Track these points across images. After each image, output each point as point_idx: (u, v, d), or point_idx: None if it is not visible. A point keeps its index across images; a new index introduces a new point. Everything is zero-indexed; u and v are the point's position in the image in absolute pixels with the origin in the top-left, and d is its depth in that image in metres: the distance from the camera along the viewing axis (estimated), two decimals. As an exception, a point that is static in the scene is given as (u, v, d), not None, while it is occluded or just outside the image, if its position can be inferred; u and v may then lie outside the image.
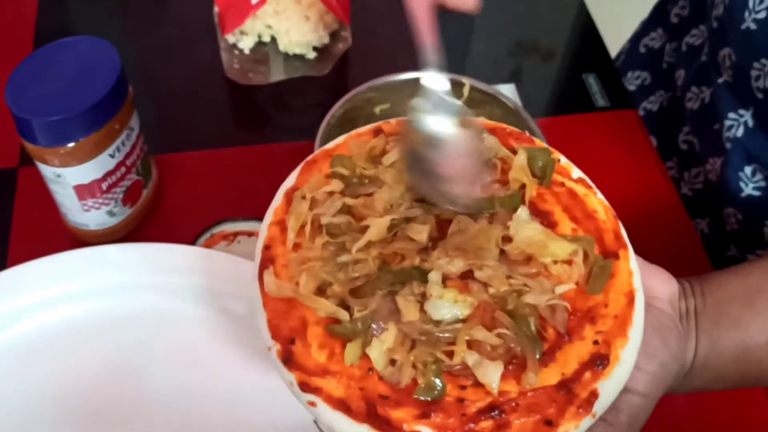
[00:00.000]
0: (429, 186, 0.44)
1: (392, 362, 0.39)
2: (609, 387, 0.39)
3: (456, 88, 0.65)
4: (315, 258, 0.42)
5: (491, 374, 0.39)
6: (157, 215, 0.68)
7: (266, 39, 0.81)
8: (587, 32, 0.89)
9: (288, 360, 0.40)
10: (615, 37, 0.97)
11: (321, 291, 0.41)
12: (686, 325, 0.46)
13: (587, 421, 0.38)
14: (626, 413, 0.42)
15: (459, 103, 0.48)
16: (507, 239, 0.43)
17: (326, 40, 0.81)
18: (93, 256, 0.60)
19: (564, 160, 0.48)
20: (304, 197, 0.44)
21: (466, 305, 0.40)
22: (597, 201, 0.46)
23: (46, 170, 0.58)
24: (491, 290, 0.41)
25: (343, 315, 0.40)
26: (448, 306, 0.40)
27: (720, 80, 0.70)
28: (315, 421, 0.54)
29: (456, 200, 0.44)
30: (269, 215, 0.46)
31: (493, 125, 0.49)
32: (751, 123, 0.68)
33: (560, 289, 0.41)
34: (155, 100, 0.78)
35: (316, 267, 0.42)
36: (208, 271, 0.60)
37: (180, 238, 0.63)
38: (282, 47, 0.81)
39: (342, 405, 0.38)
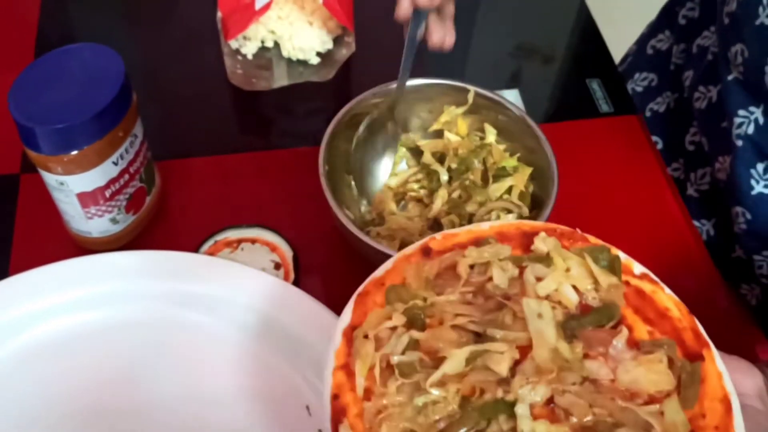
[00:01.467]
0: None
1: None
2: None
3: (461, 94, 0.65)
4: (392, 404, 0.39)
5: None
6: (160, 222, 0.68)
7: (269, 44, 0.81)
8: (590, 37, 0.89)
9: None
10: (617, 40, 0.97)
11: None
12: None
13: None
14: None
15: None
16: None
17: (330, 45, 0.81)
18: (96, 264, 0.60)
19: (624, 256, 0.46)
20: (366, 336, 0.42)
21: None
22: (667, 297, 0.44)
23: (49, 178, 0.58)
24: (573, 419, 0.39)
25: None
26: None
27: (730, 77, 0.69)
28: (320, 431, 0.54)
29: None
30: (331, 360, 0.42)
31: (544, 227, 0.47)
32: (762, 120, 0.67)
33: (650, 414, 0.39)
34: (159, 106, 0.78)
35: (394, 415, 0.39)
36: (211, 278, 0.60)
37: (183, 245, 0.63)
38: (285, 53, 0.80)
39: None
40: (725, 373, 0.41)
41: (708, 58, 0.75)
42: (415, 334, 0.42)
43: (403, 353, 0.41)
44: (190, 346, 0.59)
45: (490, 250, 0.45)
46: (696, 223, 0.80)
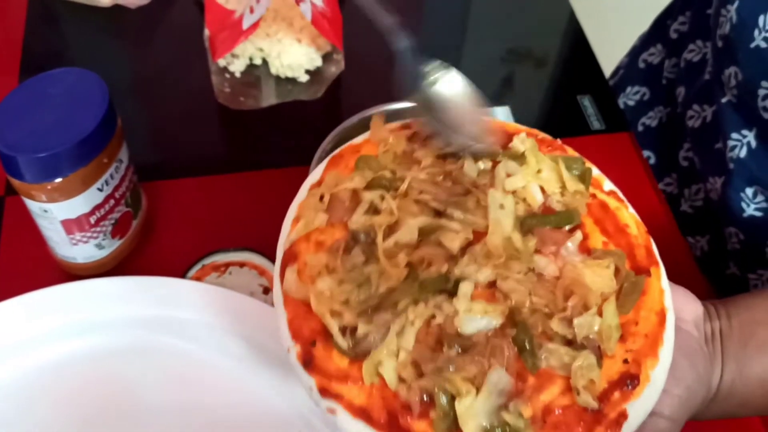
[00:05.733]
0: (448, 133, 0.44)
1: (403, 380, 0.38)
2: (638, 408, 0.39)
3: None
4: (341, 266, 0.41)
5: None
6: (147, 246, 0.67)
7: (258, 62, 0.80)
8: (581, 53, 0.88)
9: (308, 363, 0.39)
10: (608, 52, 0.97)
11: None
12: (712, 348, 0.46)
13: None
14: None
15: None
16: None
17: (319, 63, 0.80)
18: (81, 290, 0.60)
19: (597, 172, 0.47)
20: (321, 198, 0.43)
21: (496, 314, 0.39)
22: (629, 215, 0.46)
23: (33, 205, 0.57)
24: (509, 303, 0.40)
25: (342, 343, 0.39)
26: (478, 319, 0.39)
27: (724, 100, 0.69)
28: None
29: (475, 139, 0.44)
30: (293, 210, 0.44)
31: (526, 129, 0.48)
32: (754, 144, 0.67)
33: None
34: (145, 125, 0.77)
35: (339, 271, 0.40)
36: (198, 305, 0.59)
37: (170, 269, 0.62)
38: (274, 70, 0.80)
39: (363, 413, 0.37)
40: (668, 292, 0.43)
41: (705, 77, 0.74)
42: (377, 199, 0.43)
43: (363, 217, 0.42)
44: (176, 372, 0.58)
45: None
46: (690, 239, 0.80)
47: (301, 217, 0.43)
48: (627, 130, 0.80)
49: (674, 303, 0.44)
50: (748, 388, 0.46)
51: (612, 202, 0.46)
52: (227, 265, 0.64)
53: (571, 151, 0.48)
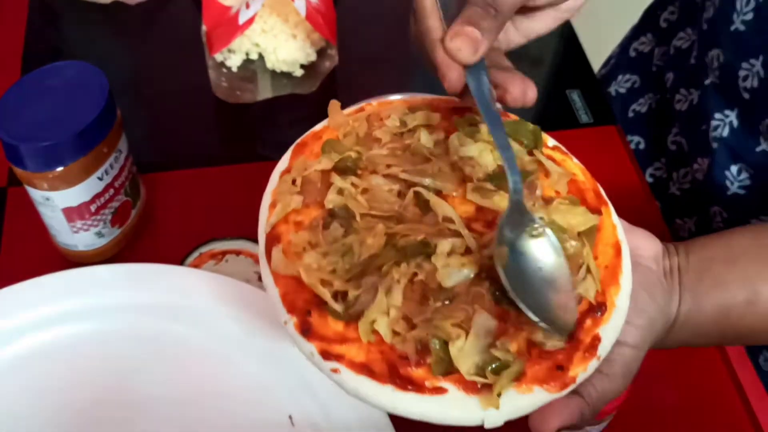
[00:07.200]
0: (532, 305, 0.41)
1: (398, 333, 0.40)
2: (609, 332, 0.42)
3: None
4: (315, 242, 0.43)
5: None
6: (145, 235, 0.69)
7: (254, 57, 0.82)
8: (571, 48, 0.90)
9: (307, 331, 0.40)
10: (597, 50, 0.99)
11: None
12: (670, 281, 0.49)
13: (593, 364, 0.41)
14: (620, 364, 0.44)
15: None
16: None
17: (313, 57, 0.82)
18: (81, 277, 0.61)
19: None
20: (294, 182, 0.45)
21: (471, 265, 0.42)
22: (574, 165, 0.49)
23: (35, 194, 0.58)
24: (486, 252, 0.42)
25: (336, 308, 0.41)
26: (456, 271, 0.42)
27: (707, 81, 0.71)
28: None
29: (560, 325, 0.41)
30: (267, 196, 0.46)
31: (443, 99, 0.51)
32: (736, 123, 0.69)
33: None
34: (144, 119, 0.79)
35: (322, 245, 0.42)
36: (195, 291, 0.61)
37: (169, 257, 0.64)
38: (269, 65, 0.82)
39: (365, 369, 0.39)
40: (619, 226, 0.46)
41: (691, 61, 0.76)
42: (351, 178, 0.45)
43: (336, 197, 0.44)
44: (174, 358, 0.59)
45: (421, 115, 0.49)
46: (678, 221, 0.82)
47: (277, 202, 0.45)
48: (614, 123, 0.82)
49: (634, 241, 0.48)
50: (703, 320, 0.48)
51: (558, 156, 0.49)
52: (224, 253, 0.66)
53: (512, 116, 0.51)
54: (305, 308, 0.41)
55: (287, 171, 0.47)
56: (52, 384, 0.58)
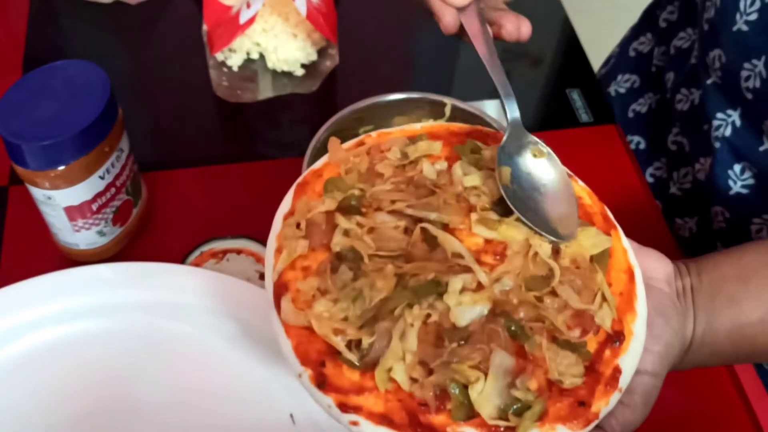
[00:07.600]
0: (534, 220, 0.44)
1: (415, 380, 0.40)
2: (628, 361, 0.42)
3: (438, 107, 0.66)
4: (331, 287, 0.42)
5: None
6: (147, 234, 0.69)
7: (255, 56, 0.82)
8: (571, 48, 0.90)
9: (322, 384, 0.39)
10: (597, 50, 0.99)
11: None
12: (684, 303, 0.48)
13: (615, 397, 0.41)
14: (640, 393, 0.44)
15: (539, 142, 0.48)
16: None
17: (314, 57, 0.82)
18: (83, 275, 0.61)
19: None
20: (298, 226, 0.44)
21: (484, 301, 0.41)
22: (580, 188, 0.49)
23: (37, 192, 0.59)
24: (498, 285, 0.42)
25: (351, 358, 0.40)
26: (469, 309, 0.41)
27: (709, 81, 0.71)
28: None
29: (562, 235, 0.44)
30: (272, 242, 0.45)
31: (470, 128, 0.51)
32: (739, 123, 0.69)
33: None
34: (145, 118, 0.79)
35: (331, 291, 0.41)
36: (196, 289, 0.61)
37: (170, 256, 0.64)
38: (270, 64, 0.82)
39: (385, 419, 0.39)
40: (630, 250, 0.46)
41: (691, 61, 0.76)
42: (356, 218, 0.44)
43: (343, 238, 0.43)
44: (175, 356, 0.59)
45: (423, 145, 0.48)
46: (678, 221, 0.82)
47: (282, 247, 0.44)
48: (614, 122, 0.83)
49: (646, 263, 0.47)
50: (717, 339, 0.48)
51: None
52: (225, 251, 0.66)
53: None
54: (319, 359, 0.40)
55: (291, 213, 0.45)
56: (54, 382, 0.58)
